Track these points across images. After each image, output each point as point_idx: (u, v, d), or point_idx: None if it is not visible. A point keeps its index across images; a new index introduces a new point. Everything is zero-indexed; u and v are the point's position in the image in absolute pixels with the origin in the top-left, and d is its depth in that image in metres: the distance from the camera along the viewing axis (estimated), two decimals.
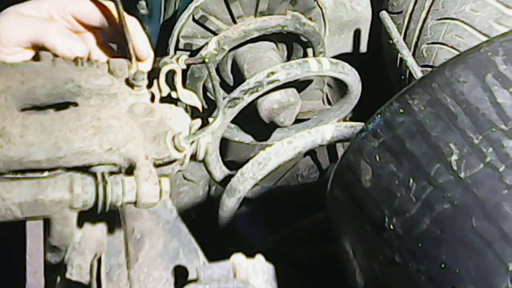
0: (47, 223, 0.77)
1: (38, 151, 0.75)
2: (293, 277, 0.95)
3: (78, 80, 0.85)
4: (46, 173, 0.77)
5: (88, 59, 0.92)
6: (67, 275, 0.82)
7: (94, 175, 0.77)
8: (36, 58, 0.91)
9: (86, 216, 0.82)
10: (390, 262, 0.73)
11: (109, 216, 0.85)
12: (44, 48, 0.92)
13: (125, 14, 0.92)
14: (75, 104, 0.84)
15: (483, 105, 0.71)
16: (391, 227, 0.73)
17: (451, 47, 1.40)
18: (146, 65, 0.97)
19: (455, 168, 0.69)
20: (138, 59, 0.93)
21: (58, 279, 0.83)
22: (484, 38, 1.34)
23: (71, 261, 0.82)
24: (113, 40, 0.99)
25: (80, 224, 0.83)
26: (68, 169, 0.78)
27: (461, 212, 0.68)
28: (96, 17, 0.95)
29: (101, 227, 0.86)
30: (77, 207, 0.75)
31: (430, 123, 0.74)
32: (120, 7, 0.91)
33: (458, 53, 1.36)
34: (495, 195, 0.66)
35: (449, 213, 0.68)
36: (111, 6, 0.95)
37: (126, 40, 0.91)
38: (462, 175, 0.68)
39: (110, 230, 0.87)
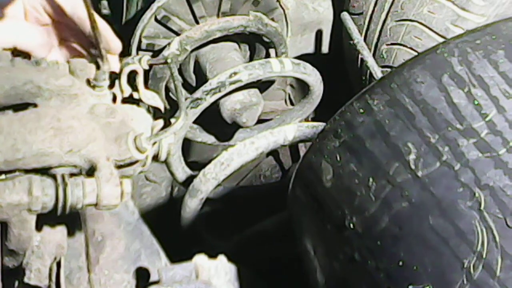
0: (4, 226, 0.75)
1: None
2: (256, 277, 0.96)
3: (37, 81, 0.83)
4: (3, 176, 0.75)
5: None
6: (26, 280, 0.80)
7: (54, 177, 0.75)
8: None
9: (45, 219, 0.81)
10: (349, 260, 0.74)
11: (69, 218, 0.84)
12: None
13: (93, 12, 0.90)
14: (35, 105, 0.83)
15: (440, 105, 0.73)
16: (351, 226, 0.74)
17: (410, 48, 1.43)
18: (115, 63, 0.95)
19: (412, 167, 0.71)
20: (110, 53, 0.91)
21: (16, 283, 0.82)
22: (441, 39, 1.37)
23: (29, 265, 0.81)
24: (78, 38, 0.97)
25: (39, 227, 0.82)
26: (27, 171, 0.76)
27: (418, 210, 0.69)
28: (63, 12, 0.93)
29: (61, 230, 0.85)
30: (36, 210, 0.73)
31: (389, 123, 0.75)
32: (89, 4, 0.90)
33: (416, 54, 1.39)
34: (451, 193, 0.67)
35: (407, 211, 0.70)
36: (79, 3, 0.92)
37: (96, 36, 0.88)
38: (419, 173, 0.70)
39: (70, 233, 0.86)
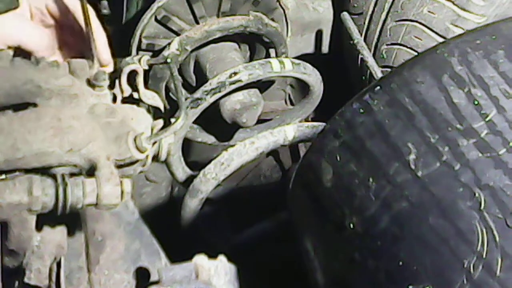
0: (4, 226, 0.75)
1: None
2: (256, 277, 0.96)
3: (37, 80, 0.83)
4: (3, 175, 0.75)
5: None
6: (26, 280, 0.80)
7: (54, 176, 0.75)
8: None
9: (45, 219, 0.81)
10: (350, 260, 0.74)
11: (69, 218, 0.84)
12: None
13: (93, 16, 0.91)
14: (35, 105, 0.83)
15: (440, 105, 0.73)
16: (351, 226, 0.74)
17: (410, 48, 1.43)
18: (107, 68, 0.96)
19: (412, 167, 0.71)
20: (101, 65, 0.92)
21: (16, 284, 0.82)
22: (441, 39, 1.37)
23: (29, 265, 0.81)
24: (79, 40, 0.98)
25: (39, 227, 0.82)
26: (27, 170, 0.76)
27: (418, 210, 0.69)
28: (66, 14, 0.94)
29: (61, 230, 0.85)
30: (36, 209, 0.73)
31: (389, 123, 0.75)
32: (86, 7, 0.90)
33: (416, 54, 1.39)
34: (451, 193, 0.67)
35: (407, 211, 0.70)
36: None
37: (89, 40, 0.89)
38: (419, 173, 0.70)
39: (70, 233, 0.86)
